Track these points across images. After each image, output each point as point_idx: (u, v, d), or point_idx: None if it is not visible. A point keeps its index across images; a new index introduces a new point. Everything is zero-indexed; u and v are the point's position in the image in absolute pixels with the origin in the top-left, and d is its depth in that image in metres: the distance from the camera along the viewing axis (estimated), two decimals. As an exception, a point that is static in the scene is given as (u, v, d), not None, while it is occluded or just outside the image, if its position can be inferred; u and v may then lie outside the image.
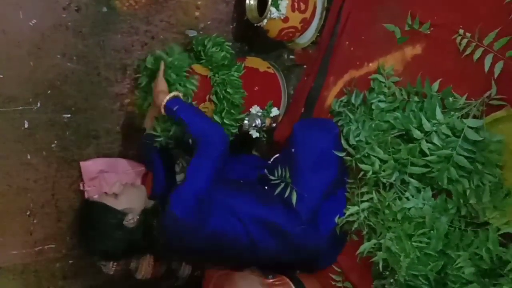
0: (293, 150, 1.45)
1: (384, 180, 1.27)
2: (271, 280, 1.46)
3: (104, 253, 1.42)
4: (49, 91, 1.46)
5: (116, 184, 1.42)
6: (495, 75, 1.16)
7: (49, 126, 1.51)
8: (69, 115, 1.54)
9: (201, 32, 1.71)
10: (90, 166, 1.63)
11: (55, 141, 1.54)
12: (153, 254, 1.58)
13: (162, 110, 1.40)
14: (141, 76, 1.54)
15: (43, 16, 1.36)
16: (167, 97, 1.38)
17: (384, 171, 1.26)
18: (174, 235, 1.32)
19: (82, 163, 1.62)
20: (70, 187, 1.63)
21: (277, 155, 1.67)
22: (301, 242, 1.41)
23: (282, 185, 1.42)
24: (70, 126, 1.55)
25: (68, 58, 1.46)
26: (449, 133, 1.16)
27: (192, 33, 1.69)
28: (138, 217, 1.38)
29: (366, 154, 1.30)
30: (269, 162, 1.68)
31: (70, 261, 1.68)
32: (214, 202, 1.35)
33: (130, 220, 1.37)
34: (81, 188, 1.64)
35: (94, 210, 1.39)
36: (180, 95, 1.43)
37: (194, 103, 1.50)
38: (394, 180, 1.26)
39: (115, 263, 1.58)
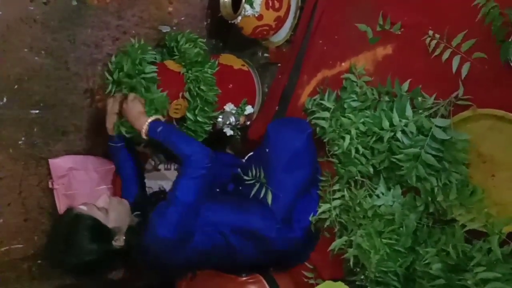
0: (267, 150, 1.45)
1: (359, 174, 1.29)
2: (244, 278, 1.46)
3: (73, 268, 1.24)
4: (15, 86, 1.42)
5: (103, 197, 1.32)
6: (462, 76, 1.19)
7: (16, 122, 1.46)
8: (37, 111, 1.50)
9: (174, 28, 1.69)
10: (59, 164, 1.60)
11: (23, 138, 1.50)
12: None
13: (144, 133, 1.35)
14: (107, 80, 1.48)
15: (9, 8, 1.31)
16: (149, 120, 1.35)
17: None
18: (154, 254, 1.28)
19: (50, 161, 1.58)
20: (38, 185, 1.59)
21: (251, 153, 1.67)
22: (279, 247, 1.42)
23: (257, 185, 1.42)
24: (38, 122, 1.51)
25: (36, 52, 1.42)
26: (414, 130, 1.18)
27: (165, 29, 1.67)
28: (124, 237, 1.29)
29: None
30: (243, 160, 1.68)
31: (38, 261, 1.64)
32: (196, 219, 1.32)
33: (118, 241, 1.27)
34: (50, 186, 1.60)
35: (83, 224, 1.22)
36: (161, 117, 1.38)
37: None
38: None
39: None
